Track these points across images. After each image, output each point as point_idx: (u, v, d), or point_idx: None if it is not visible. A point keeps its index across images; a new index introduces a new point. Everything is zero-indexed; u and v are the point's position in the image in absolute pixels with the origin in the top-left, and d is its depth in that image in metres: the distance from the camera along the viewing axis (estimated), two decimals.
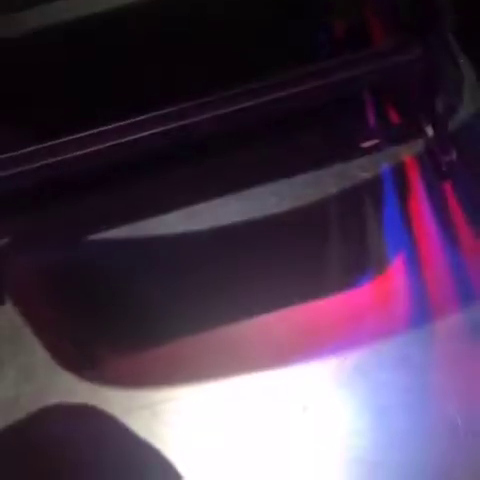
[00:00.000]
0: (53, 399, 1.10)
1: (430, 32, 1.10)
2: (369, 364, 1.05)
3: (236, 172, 1.27)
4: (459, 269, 1.12)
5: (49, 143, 1.10)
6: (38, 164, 1.10)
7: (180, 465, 1.02)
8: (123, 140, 1.11)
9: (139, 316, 1.16)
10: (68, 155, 1.10)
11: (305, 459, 1.00)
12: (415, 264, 1.14)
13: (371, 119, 1.29)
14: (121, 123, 1.10)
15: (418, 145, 1.25)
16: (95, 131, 1.10)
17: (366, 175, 1.23)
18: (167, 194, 1.27)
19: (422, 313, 1.09)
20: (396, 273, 1.14)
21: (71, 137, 1.10)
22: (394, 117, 1.30)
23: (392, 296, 1.12)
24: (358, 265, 1.16)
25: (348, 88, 1.15)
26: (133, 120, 1.10)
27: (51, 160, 1.10)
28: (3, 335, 1.17)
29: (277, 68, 1.13)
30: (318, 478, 0.99)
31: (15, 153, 1.10)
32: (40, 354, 1.14)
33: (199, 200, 1.24)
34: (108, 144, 1.10)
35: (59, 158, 1.10)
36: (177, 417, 1.06)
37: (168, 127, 1.11)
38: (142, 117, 1.10)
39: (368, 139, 1.26)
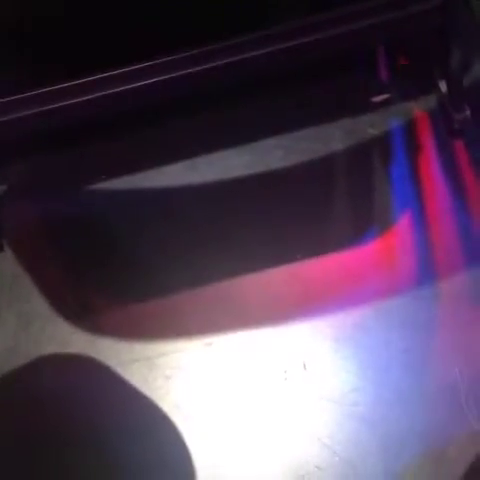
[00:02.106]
0: (50, 349, 1.09)
1: None
2: (371, 322, 1.04)
3: (241, 124, 1.24)
4: (466, 229, 1.10)
5: (50, 88, 1.07)
6: (38, 110, 1.07)
7: (176, 418, 1.02)
8: (125, 88, 1.07)
9: (138, 268, 1.15)
10: (69, 101, 1.07)
11: (304, 416, 1.00)
12: (422, 223, 1.12)
13: (383, 73, 1.25)
14: (124, 70, 1.07)
15: (430, 101, 1.21)
16: (97, 77, 1.07)
17: (375, 131, 1.20)
18: (169, 145, 1.25)
19: (427, 272, 1.07)
20: (402, 231, 1.12)
21: (72, 83, 1.07)
22: (407, 71, 1.26)
23: (397, 254, 1.11)
24: (363, 222, 1.14)
25: (360, 39, 1.11)
26: (135, 67, 1.07)
27: (52, 106, 1.08)
28: (2, 283, 1.16)
29: (287, 17, 1.09)
30: (317, 435, 0.98)
31: (15, 97, 1.06)
32: (38, 303, 1.13)
33: (202, 152, 1.22)
34: (110, 92, 1.07)
35: (60, 104, 1.07)
36: (174, 370, 1.06)
37: (171, 76, 1.07)
38: (145, 64, 1.07)
39: (379, 94, 1.23)
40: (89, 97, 1.07)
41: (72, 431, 1.03)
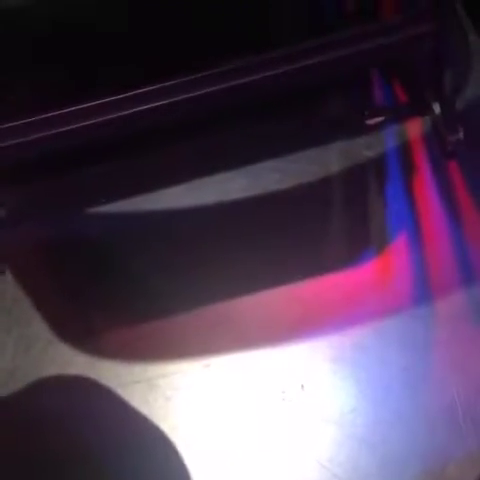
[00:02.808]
0: (50, 371, 1.09)
1: (441, 7, 1.08)
2: (369, 342, 1.04)
3: (239, 148, 1.25)
4: (462, 249, 1.11)
5: (51, 113, 1.08)
6: (40, 134, 1.08)
7: (177, 439, 1.02)
8: (126, 112, 1.08)
9: (138, 290, 1.15)
10: (70, 126, 1.08)
11: (302, 437, 1.00)
12: (418, 243, 1.13)
13: (377, 96, 1.27)
14: (125, 94, 1.08)
15: (424, 123, 1.23)
16: (98, 102, 1.08)
17: (370, 153, 1.22)
18: (169, 168, 1.25)
19: (424, 292, 1.08)
20: (399, 252, 1.13)
21: (73, 108, 1.08)
22: (401, 94, 1.28)
23: (394, 274, 1.11)
24: (360, 242, 1.14)
25: (355, 63, 1.12)
26: (137, 92, 1.08)
27: (53, 131, 1.08)
28: (2, 306, 1.16)
29: (282, 42, 1.10)
30: (315, 456, 0.98)
31: (16, 123, 1.08)
32: (38, 325, 1.13)
33: (201, 175, 1.23)
34: (111, 116, 1.08)
35: (61, 129, 1.08)
36: (174, 392, 1.06)
37: (172, 100, 1.09)
38: (145, 89, 1.08)
39: (373, 116, 1.25)
40: (88, 122, 1.08)
41: (73, 452, 1.02)
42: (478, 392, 0.98)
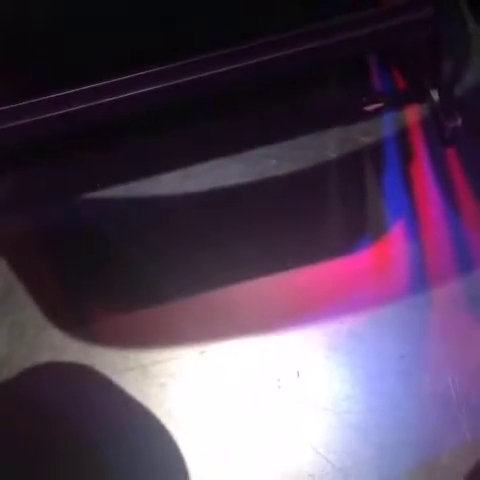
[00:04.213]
0: (44, 358, 1.09)
1: None
2: (365, 330, 1.04)
3: (235, 134, 1.25)
4: (459, 237, 1.10)
5: (44, 97, 1.07)
6: (35, 119, 1.07)
7: (171, 426, 1.02)
8: (120, 97, 1.08)
9: (132, 276, 1.15)
10: (65, 110, 1.08)
11: (297, 424, 1.00)
12: (415, 231, 1.12)
13: (375, 82, 1.26)
14: (119, 78, 1.07)
15: (423, 110, 1.22)
16: (93, 86, 1.07)
17: (368, 139, 1.21)
18: (164, 154, 1.25)
19: (420, 280, 1.08)
20: (395, 239, 1.13)
21: (67, 92, 1.07)
22: (399, 80, 1.27)
23: (391, 262, 1.11)
24: (357, 230, 1.14)
25: (354, 48, 1.12)
26: (132, 76, 1.07)
27: (47, 115, 1.08)
28: None
29: (281, 25, 1.09)
30: (310, 443, 0.98)
31: (9, 106, 1.07)
32: (33, 312, 1.13)
33: (196, 161, 1.22)
34: (105, 100, 1.07)
35: (56, 113, 1.08)
36: (169, 378, 1.06)
37: (167, 85, 1.08)
38: (140, 73, 1.07)
39: (372, 102, 1.24)
40: (81, 107, 1.07)
41: (68, 439, 1.03)
42: (473, 380, 0.98)
